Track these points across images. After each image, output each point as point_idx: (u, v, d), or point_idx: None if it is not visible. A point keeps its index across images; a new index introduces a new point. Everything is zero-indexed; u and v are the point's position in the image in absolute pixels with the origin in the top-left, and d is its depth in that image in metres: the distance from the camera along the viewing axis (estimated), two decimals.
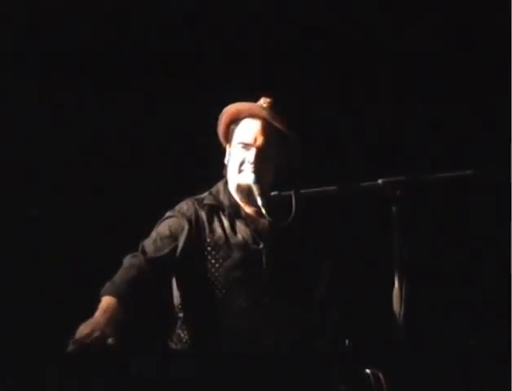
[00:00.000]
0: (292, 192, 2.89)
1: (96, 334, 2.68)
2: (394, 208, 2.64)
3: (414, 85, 3.96)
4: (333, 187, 2.82)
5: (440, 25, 3.94)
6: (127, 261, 3.03)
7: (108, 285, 2.94)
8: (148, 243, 3.07)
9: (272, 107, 3.12)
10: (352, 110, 4.00)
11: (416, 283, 2.66)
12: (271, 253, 3.09)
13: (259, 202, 3.00)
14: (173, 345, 3.11)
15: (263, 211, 2.98)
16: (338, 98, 3.96)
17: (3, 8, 3.75)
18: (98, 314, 2.84)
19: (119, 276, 2.97)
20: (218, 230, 3.10)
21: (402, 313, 2.60)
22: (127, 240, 3.76)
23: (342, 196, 2.83)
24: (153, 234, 3.11)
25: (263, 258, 3.09)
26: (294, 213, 2.90)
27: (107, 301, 2.90)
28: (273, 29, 3.94)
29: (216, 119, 3.17)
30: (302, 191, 2.88)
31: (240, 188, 3.11)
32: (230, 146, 3.16)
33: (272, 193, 2.95)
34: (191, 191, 3.27)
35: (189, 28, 3.89)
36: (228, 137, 3.18)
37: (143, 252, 3.05)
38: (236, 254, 3.08)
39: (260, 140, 3.08)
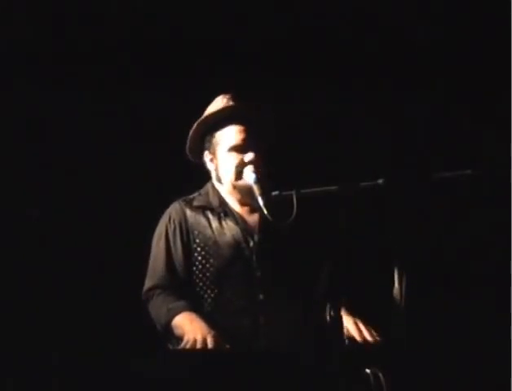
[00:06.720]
0: (293, 192, 2.89)
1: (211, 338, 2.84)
2: (393, 208, 2.65)
3: (414, 85, 3.96)
4: (333, 187, 2.82)
5: (441, 24, 3.94)
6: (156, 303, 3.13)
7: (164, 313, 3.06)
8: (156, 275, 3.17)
9: (237, 101, 3.19)
10: (352, 110, 4.00)
11: (416, 283, 2.65)
12: (261, 251, 3.11)
13: (260, 202, 3.00)
14: (172, 346, 3.11)
15: (265, 211, 2.98)
16: (338, 98, 3.96)
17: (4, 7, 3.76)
18: (190, 324, 2.96)
19: (164, 313, 3.08)
20: (207, 231, 3.15)
21: (402, 312, 2.60)
22: (126, 240, 3.78)
23: (342, 196, 2.83)
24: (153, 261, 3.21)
25: (254, 256, 3.11)
26: (295, 212, 2.91)
27: (183, 316, 3.01)
28: (274, 29, 3.94)
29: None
30: (302, 190, 2.88)
31: (239, 189, 3.15)
32: (211, 154, 3.22)
33: (273, 193, 2.96)
34: (189, 190, 3.30)
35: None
36: (205, 146, 3.23)
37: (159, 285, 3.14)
38: (226, 253, 3.13)
39: (249, 140, 3.15)
